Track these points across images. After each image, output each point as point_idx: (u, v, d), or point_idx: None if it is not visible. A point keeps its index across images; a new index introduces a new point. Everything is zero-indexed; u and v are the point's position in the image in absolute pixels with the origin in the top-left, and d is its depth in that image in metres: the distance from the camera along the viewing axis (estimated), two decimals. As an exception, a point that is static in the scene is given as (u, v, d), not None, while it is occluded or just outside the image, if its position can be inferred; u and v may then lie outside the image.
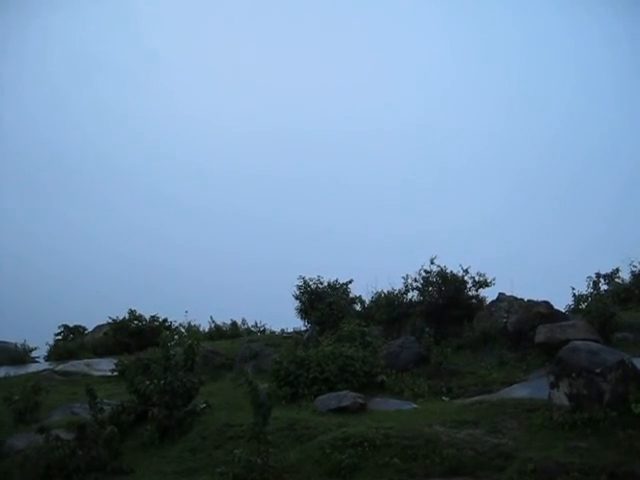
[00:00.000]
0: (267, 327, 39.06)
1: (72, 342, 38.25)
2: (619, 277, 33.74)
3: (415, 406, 19.94)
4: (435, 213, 65.92)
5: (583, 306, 28.67)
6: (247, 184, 76.03)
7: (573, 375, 16.09)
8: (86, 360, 33.00)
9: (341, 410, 19.32)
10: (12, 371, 30.26)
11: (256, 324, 39.44)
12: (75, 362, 32.47)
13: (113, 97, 77.15)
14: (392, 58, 77.73)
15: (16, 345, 36.38)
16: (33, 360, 36.23)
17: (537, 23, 69.77)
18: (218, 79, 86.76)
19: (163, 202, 70.02)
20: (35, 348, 37.03)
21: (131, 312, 37.28)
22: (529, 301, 25.59)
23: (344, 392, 20.33)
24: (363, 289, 33.70)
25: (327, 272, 32.97)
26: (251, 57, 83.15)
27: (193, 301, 48.91)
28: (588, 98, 68.39)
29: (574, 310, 28.88)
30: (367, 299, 33.00)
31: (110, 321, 37.37)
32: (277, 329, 37.29)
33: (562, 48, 69.99)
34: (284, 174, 73.84)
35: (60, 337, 39.62)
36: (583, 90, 69.79)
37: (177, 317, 38.52)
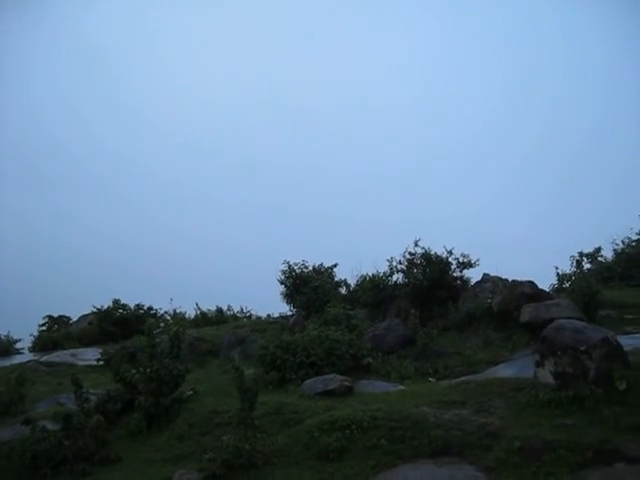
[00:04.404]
0: (253, 313, 39.32)
1: (57, 332, 38.25)
2: (602, 256, 34.22)
3: (402, 388, 19.93)
4: (421, 198, 66.37)
5: (567, 285, 28.86)
6: (230, 169, 76.09)
7: (558, 353, 16.12)
8: (71, 350, 32.95)
9: (328, 393, 19.32)
10: (-4, 363, 30.20)
11: (242, 310, 39.67)
12: (60, 352, 32.41)
13: (117, 89, 77.27)
14: (385, 40, 78.15)
15: (0, 336, 36.26)
16: (18, 351, 36.20)
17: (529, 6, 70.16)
18: (221, 69, 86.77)
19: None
20: (19, 339, 36.99)
21: (115, 301, 37.27)
22: (513, 281, 25.65)
23: (331, 375, 20.34)
24: (348, 272, 33.86)
25: (312, 256, 33.07)
26: (255, 46, 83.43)
27: (178, 289, 49.01)
28: (581, 85, 68.84)
29: (558, 289, 29.06)
30: (352, 282, 33.11)
31: (94, 310, 37.34)
32: (263, 314, 37.50)
33: (556, 31, 70.48)
34: (269, 158, 73.98)
35: (44, 328, 39.54)
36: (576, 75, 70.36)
37: (163, 305, 38.64)
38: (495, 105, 75.58)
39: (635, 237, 33.66)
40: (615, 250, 34.11)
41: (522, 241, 53.45)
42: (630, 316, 23.45)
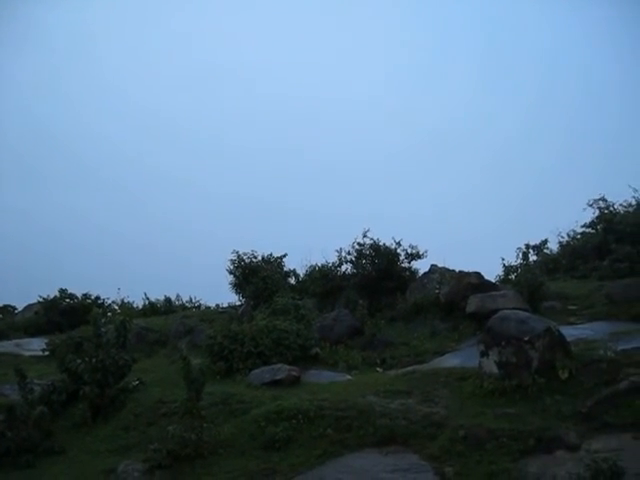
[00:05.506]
0: (202, 303, 38.92)
1: (1, 322, 37.45)
2: (547, 248, 34.78)
3: (349, 377, 20.08)
4: (381, 192, 66.77)
5: (513, 276, 29.30)
6: (184, 153, 75.58)
7: (502, 343, 16.38)
8: (16, 340, 32.22)
9: (275, 383, 19.34)
10: (-63, 353, 29.40)
11: (190, 300, 39.25)
12: (5, 342, 31.68)
13: (113, 81, 76.28)
14: (351, 32, 78.13)
15: (-58, 326, 35.41)
16: (-40, 341, 35.31)
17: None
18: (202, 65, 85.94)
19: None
20: (-38, 329, 36.11)
21: (62, 290, 36.63)
22: (460, 272, 25.88)
23: (278, 365, 20.35)
24: (297, 263, 33.84)
25: (261, 246, 33.03)
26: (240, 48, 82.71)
27: (128, 278, 48.46)
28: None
29: (504, 280, 29.48)
30: (301, 273, 33.15)
31: (40, 300, 36.68)
32: (212, 304, 37.23)
33: (531, 25, 71.27)
34: (223, 144, 73.50)
35: (-12, 317, 38.75)
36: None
37: (111, 294, 38.10)
38: (465, 102, 76.10)
39: (580, 229, 34.30)
40: (560, 242, 34.71)
41: (468, 232, 54.08)
42: (574, 307, 23.92)
